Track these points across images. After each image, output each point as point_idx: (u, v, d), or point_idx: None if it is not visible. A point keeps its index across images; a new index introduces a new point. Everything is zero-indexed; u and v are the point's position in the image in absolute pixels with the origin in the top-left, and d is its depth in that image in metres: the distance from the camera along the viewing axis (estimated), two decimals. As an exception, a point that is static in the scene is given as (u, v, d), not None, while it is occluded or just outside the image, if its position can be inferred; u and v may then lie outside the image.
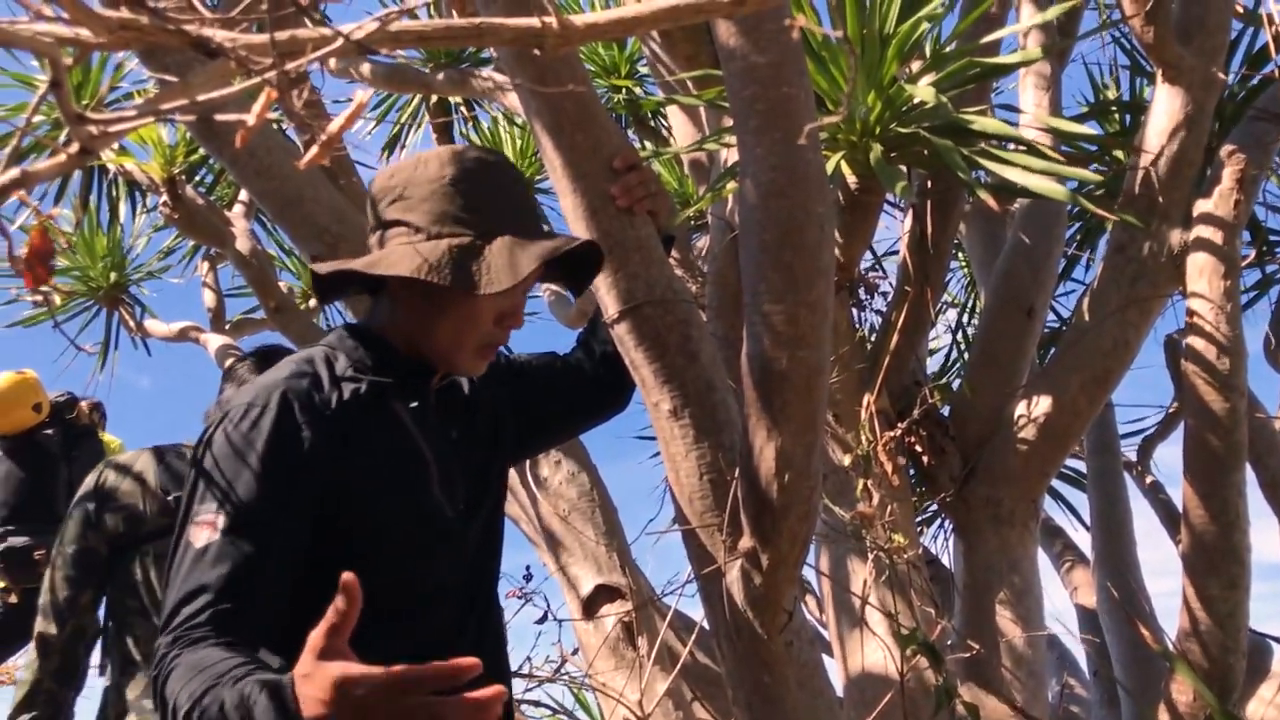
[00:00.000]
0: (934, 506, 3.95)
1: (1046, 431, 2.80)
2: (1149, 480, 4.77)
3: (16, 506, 4.28)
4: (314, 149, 0.67)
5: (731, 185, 2.56)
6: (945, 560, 4.08)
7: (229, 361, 2.46)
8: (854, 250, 2.83)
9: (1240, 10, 3.43)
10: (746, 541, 1.60)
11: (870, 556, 2.52)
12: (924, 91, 2.36)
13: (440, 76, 4.65)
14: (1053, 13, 2.92)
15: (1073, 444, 2.94)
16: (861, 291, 3.14)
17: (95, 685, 2.41)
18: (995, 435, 2.92)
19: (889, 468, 2.77)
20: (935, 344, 5.12)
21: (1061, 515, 5.10)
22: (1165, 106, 2.60)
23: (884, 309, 3.19)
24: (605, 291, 1.68)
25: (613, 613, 2.94)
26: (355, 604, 0.99)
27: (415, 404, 1.41)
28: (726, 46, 1.50)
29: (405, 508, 1.36)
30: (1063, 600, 4.66)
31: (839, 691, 2.62)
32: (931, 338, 4.33)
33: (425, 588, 1.38)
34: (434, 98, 5.71)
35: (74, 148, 0.62)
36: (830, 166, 2.40)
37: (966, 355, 4.59)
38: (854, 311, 3.08)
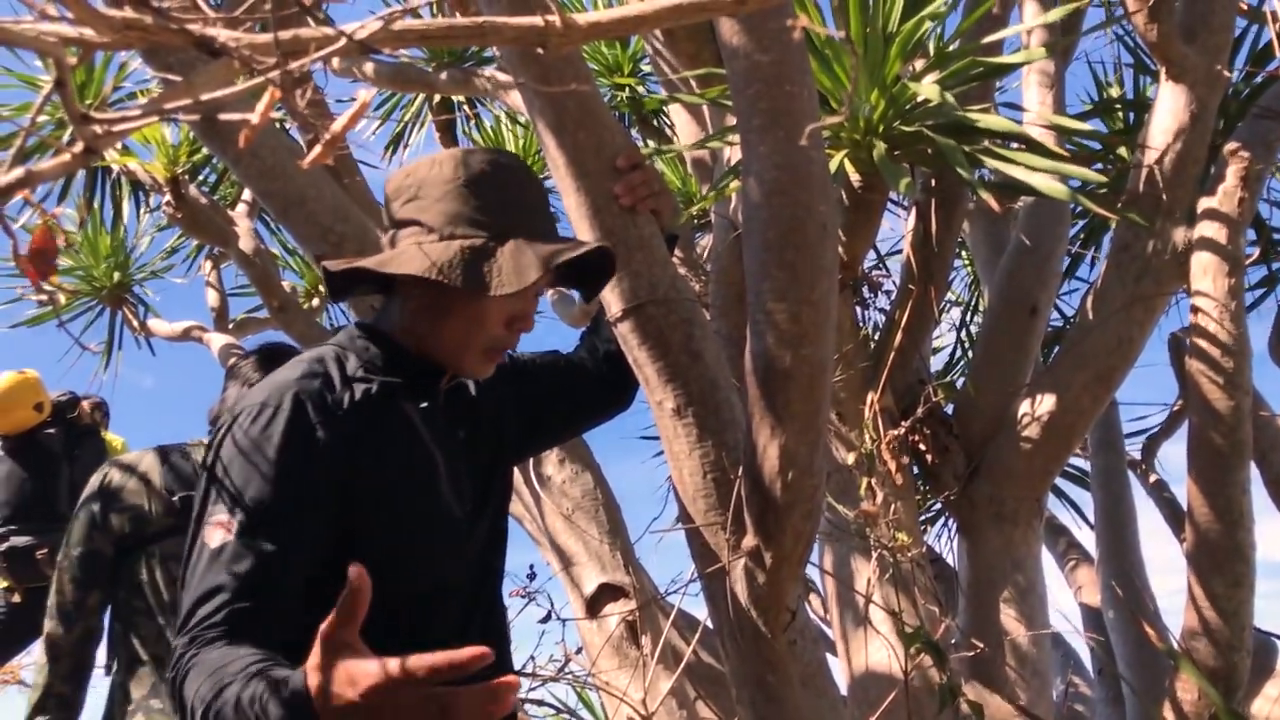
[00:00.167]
0: (938, 505, 3.95)
1: (1050, 430, 2.80)
2: (1153, 478, 4.77)
3: (18, 506, 4.29)
4: (317, 148, 0.67)
5: (735, 184, 2.56)
6: (949, 559, 4.08)
7: (232, 360, 2.46)
8: (857, 249, 2.83)
9: (1244, 8, 3.43)
10: (750, 540, 1.60)
11: (874, 555, 2.52)
12: (927, 90, 2.36)
13: (443, 76, 4.65)
14: (1056, 12, 2.92)
15: (1076, 442, 2.93)
16: (865, 290, 3.14)
17: (99, 685, 2.42)
18: (999, 434, 2.92)
19: (893, 466, 2.77)
20: (939, 342, 5.13)
21: (1066, 514, 5.10)
22: (1169, 104, 2.59)
23: (887, 307, 3.19)
24: (609, 290, 1.68)
25: (616, 612, 2.94)
26: (364, 594, 0.98)
27: (425, 405, 1.41)
28: (729, 45, 1.50)
29: (416, 508, 1.36)
30: (1067, 599, 4.66)
31: (843, 690, 2.62)
32: (935, 336, 4.33)
33: (432, 588, 1.38)
34: (437, 97, 5.72)
35: (78, 147, 0.62)
36: (834, 165, 2.40)
37: (970, 353, 4.59)
38: (857, 310, 3.08)
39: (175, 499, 2.27)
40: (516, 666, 3.09)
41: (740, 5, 0.69)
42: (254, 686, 1.07)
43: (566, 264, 1.44)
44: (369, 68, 4.53)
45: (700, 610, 3.38)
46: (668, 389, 1.68)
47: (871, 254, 3.86)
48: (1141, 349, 2.78)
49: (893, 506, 2.68)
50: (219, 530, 1.23)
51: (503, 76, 4.23)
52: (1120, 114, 4.05)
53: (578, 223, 1.69)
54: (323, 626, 0.99)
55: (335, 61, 4.37)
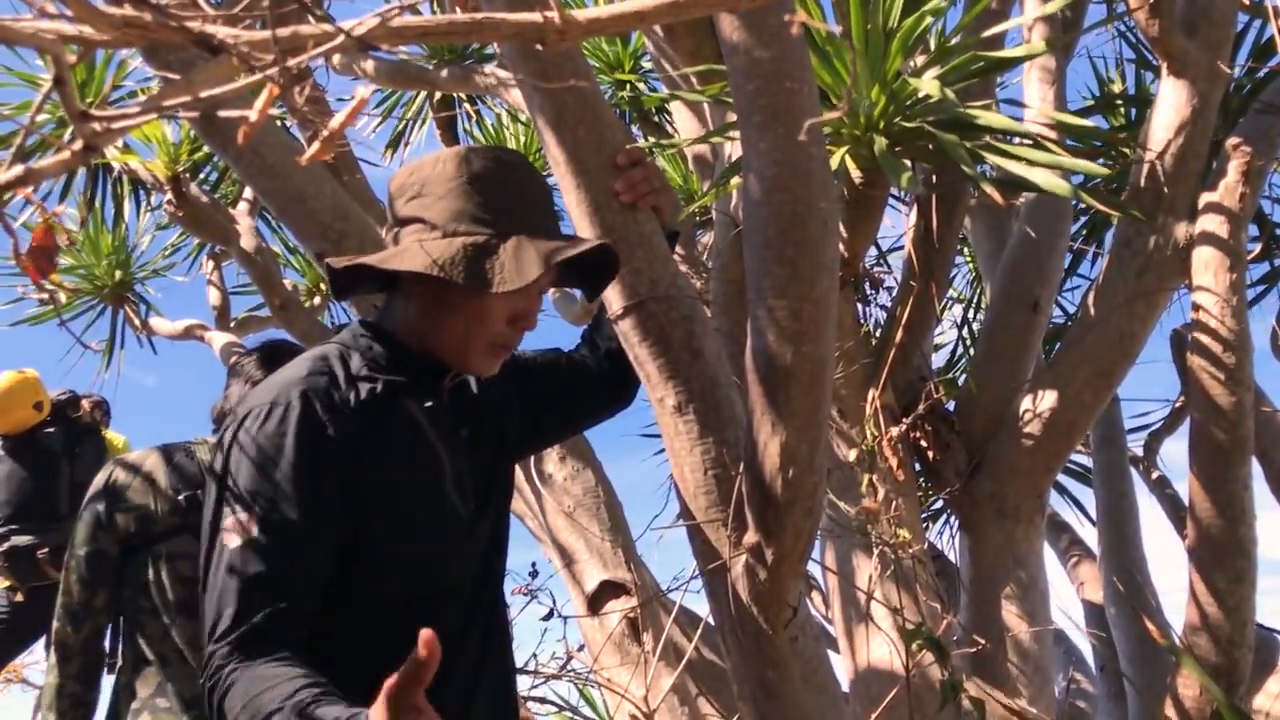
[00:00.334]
0: (939, 502, 3.95)
1: (1052, 426, 2.80)
2: (1155, 475, 4.76)
3: (19, 506, 4.29)
4: (315, 145, 0.67)
5: (736, 180, 2.55)
6: (951, 555, 4.08)
7: (234, 358, 2.46)
8: (858, 245, 2.83)
9: (1245, 3, 3.42)
10: (751, 537, 1.60)
11: (875, 552, 2.52)
12: (928, 85, 2.36)
13: (444, 73, 4.65)
14: (1057, 6, 2.92)
15: (1078, 439, 2.93)
16: (866, 286, 3.14)
17: (103, 683, 2.42)
18: (1000, 430, 2.92)
19: (894, 463, 2.77)
20: (940, 339, 5.12)
21: (1068, 510, 5.10)
22: (1170, 100, 2.59)
23: (889, 304, 3.19)
24: (610, 287, 1.68)
25: (618, 609, 2.94)
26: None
27: (430, 404, 1.40)
28: (730, 41, 1.49)
29: (421, 508, 1.36)
30: (1069, 595, 4.66)
31: (844, 687, 2.63)
32: (937, 333, 4.33)
33: (437, 586, 1.38)
34: (438, 94, 5.72)
35: (78, 145, 0.62)
36: (834, 161, 2.40)
37: (972, 350, 4.59)
38: (859, 306, 3.08)
39: (181, 498, 2.27)
40: (519, 664, 3.10)
41: (740, 1, 0.69)
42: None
43: (570, 262, 1.44)
44: (369, 65, 4.53)
45: (702, 607, 3.38)
46: (669, 386, 1.68)
47: (873, 250, 3.86)
48: (1143, 345, 2.78)
49: (894, 503, 2.68)
50: (238, 531, 1.23)
51: (503, 73, 4.23)
52: (1121, 109, 4.05)
53: (578, 220, 1.69)
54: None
55: (335, 59, 4.38)
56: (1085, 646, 4.32)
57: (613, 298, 1.68)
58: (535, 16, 0.68)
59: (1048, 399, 2.81)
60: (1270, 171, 2.79)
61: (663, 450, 1.82)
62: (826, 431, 1.61)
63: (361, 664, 1.29)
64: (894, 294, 3.19)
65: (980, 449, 2.96)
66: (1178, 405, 4.64)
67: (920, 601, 2.63)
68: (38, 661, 4.94)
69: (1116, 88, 4.40)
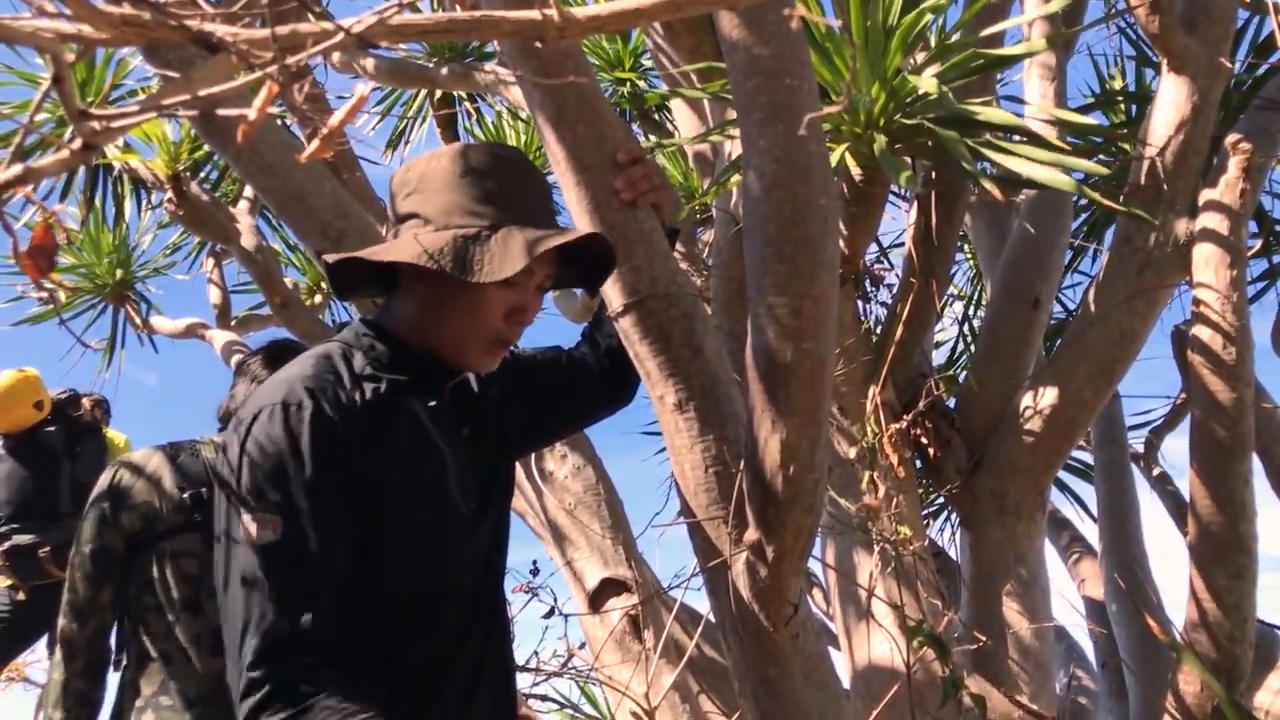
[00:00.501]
0: (940, 498, 3.95)
1: (1053, 423, 2.80)
2: (1156, 471, 4.77)
3: (20, 505, 4.29)
4: (315, 143, 0.67)
5: (736, 178, 2.55)
6: (952, 552, 4.08)
7: (240, 357, 2.46)
8: (859, 242, 2.83)
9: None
10: (752, 534, 1.60)
11: (876, 549, 2.52)
12: (928, 83, 2.35)
13: (444, 71, 4.64)
14: (1057, 3, 2.92)
15: (1079, 436, 2.93)
16: (866, 283, 3.14)
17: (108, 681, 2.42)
18: (1001, 427, 2.92)
19: (894, 460, 2.77)
20: (941, 336, 5.12)
21: (1068, 507, 5.10)
22: (1171, 96, 2.59)
23: (889, 301, 3.19)
24: (609, 285, 1.68)
25: (619, 606, 2.95)
26: None
27: (433, 403, 1.40)
28: (729, 39, 1.49)
29: (426, 507, 1.36)
30: (1070, 592, 4.66)
31: (845, 684, 2.63)
32: (937, 330, 4.33)
33: (439, 585, 1.38)
34: (438, 92, 5.72)
35: (77, 143, 0.62)
36: (834, 158, 2.40)
37: (972, 347, 4.59)
38: (859, 304, 3.08)
39: (185, 496, 2.28)
40: (520, 662, 3.10)
41: (739, -2, 0.69)
42: None
43: (570, 260, 1.44)
44: (369, 63, 4.53)
45: (702, 604, 3.38)
46: (669, 384, 1.68)
47: (873, 247, 3.86)
48: (1144, 342, 2.78)
49: (895, 500, 2.68)
50: (264, 530, 1.22)
51: (503, 71, 4.23)
52: (1122, 106, 4.05)
53: (578, 218, 1.69)
54: None
55: (335, 57, 4.37)
56: (1086, 643, 4.32)
57: (613, 295, 1.68)
58: (535, 14, 0.68)
59: (1048, 396, 2.81)
60: (1270, 168, 2.79)
61: (663, 448, 1.82)
62: (827, 428, 1.61)
63: (363, 663, 1.29)
64: (894, 291, 3.20)
65: (981, 446, 2.96)
66: (1178, 402, 4.64)
67: (921, 598, 2.63)
68: (40, 660, 4.95)
69: (1117, 84, 4.40)
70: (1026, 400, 2.85)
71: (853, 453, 2.80)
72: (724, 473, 1.68)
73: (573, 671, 3.20)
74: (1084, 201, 3.64)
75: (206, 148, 5.07)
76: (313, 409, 1.27)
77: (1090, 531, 4.74)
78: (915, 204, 3.10)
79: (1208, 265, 2.35)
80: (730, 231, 2.87)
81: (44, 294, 5.09)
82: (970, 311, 5.08)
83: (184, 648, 2.22)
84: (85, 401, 4.56)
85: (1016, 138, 2.51)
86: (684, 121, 3.65)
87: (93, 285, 6.01)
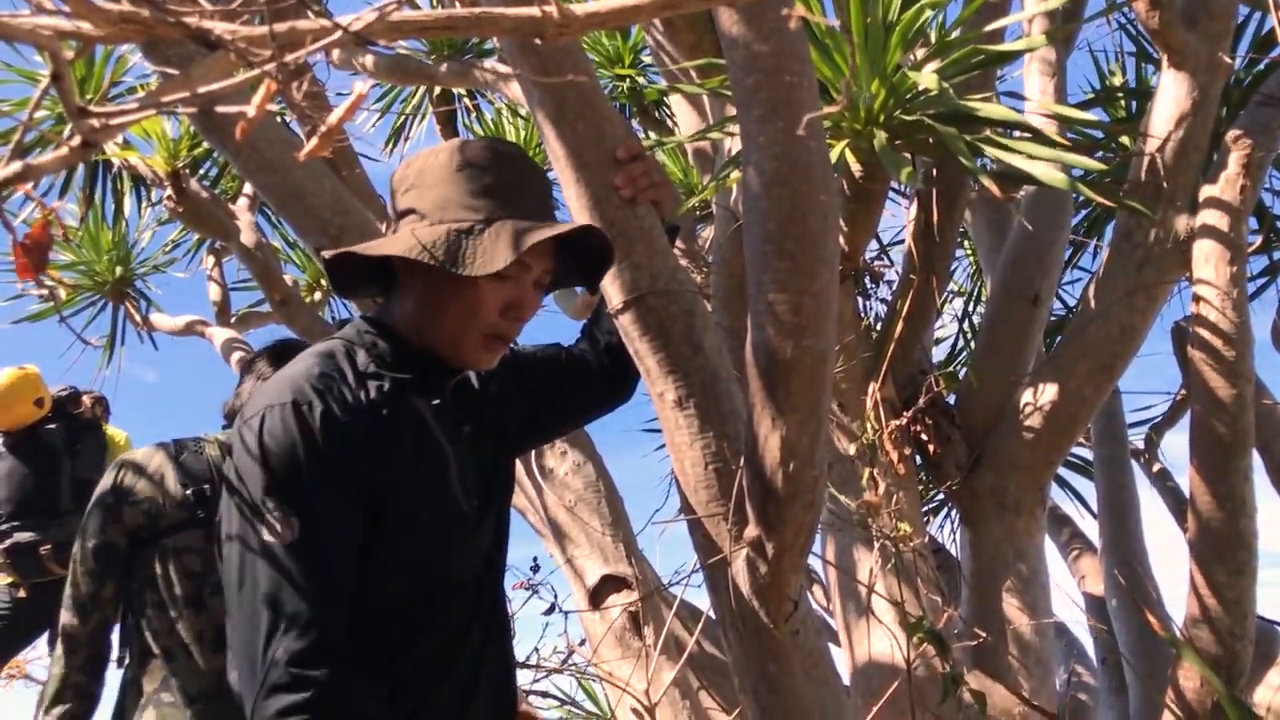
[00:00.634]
0: (940, 495, 3.96)
1: (1053, 419, 2.80)
2: (1156, 468, 4.77)
3: (20, 502, 4.30)
4: (314, 140, 0.67)
5: (736, 175, 2.55)
6: (952, 549, 4.08)
7: (245, 356, 2.47)
8: (859, 239, 2.83)
9: (1246, -5, 3.42)
10: (752, 531, 1.60)
11: (876, 545, 2.52)
12: (928, 79, 2.35)
13: (443, 68, 4.64)
14: (1058, 0, 2.91)
15: (1079, 432, 2.93)
16: (867, 280, 3.13)
17: (108, 679, 2.43)
18: (1001, 423, 2.92)
19: (894, 456, 2.78)
20: (941, 332, 5.13)
21: (1069, 503, 5.11)
22: (1171, 92, 2.59)
23: (889, 297, 3.18)
24: (609, 282, 1.68)
25: (619, 603, 2.95)
26: None
27: (436, 401, 1.40)
28: (729, 35, 1.49)
29: (429, 504, 1.36)
30: (1070, 588, 4.66)
31: (845, 680, 2.63)
32: (937, 326, 4.33)
33: (440, 583, 1.38)
34: (437, 89, 5.71)
35: (77, 141, 0.62)
36: (834, 155, 2.40)
37: (972, 343, 4.59)
38: (859, 300, 3.08)
39: (188, 492, 2.28)
40: (520, 659, 3.10)
41: (738, -6, 0.68)
42: None
43: (570, 256, 1.43)
44: (368, 60, 4.53)
45: (703, 601, 3.38)
46: (669, 380, 1.68)
47: (873, 244, 3.86)
48: (1144, 338, 2.78)
49: (895, 497, 2.68)
50: (279, 530, 1.22)
51: (503, 68, 4.22)
52: (1122, 102, 4.05)
53: (578, 214, 1.68)
54: None
55: (334, 54, 4.37)
56: (1086, 639, 4.32)
57: (613, 292, 1.68)
58: (534, 11, 0.68)
59: (1048, 392, 2.81)
60: (1270, 164, 2.78)
61: (663, 445, 1.82)
62: (827, 425, 1.60)
63: (365, 660, 1.29)
64: (894, 287, 3.19)
65: (981, 442, 2.96)
66: (1178, 398, 4.65)
67: (921, 595, 2.63)
68: (40, 657, 4.95)
69: (1117, 80, 4.40)
70: (1026, 397, 2.85)
71: (853, 449, 2.80)
72: (724, 469, 1.68)
73: (573, 668, 3.20)
74: (1084, 197, 3.64)
75: (206, 145, 5.07)
76: (322, 408, 1.27)
77: (1090, 528, 4.75)
78: (915, 200, 3.10)
79: (1208, 261, 2.35)
80: (730, 228, 2.87)
81: (44, 291, 5.08)
82: (970, 308, 5.09)
83: (186, 644, 2.22)
84: (85, 399, 4.56)
85: (1017, 134, 2.51)
86: (684, 118, 3.65)
87: (92, 282, 6.01)
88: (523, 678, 3.28)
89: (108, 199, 5.78)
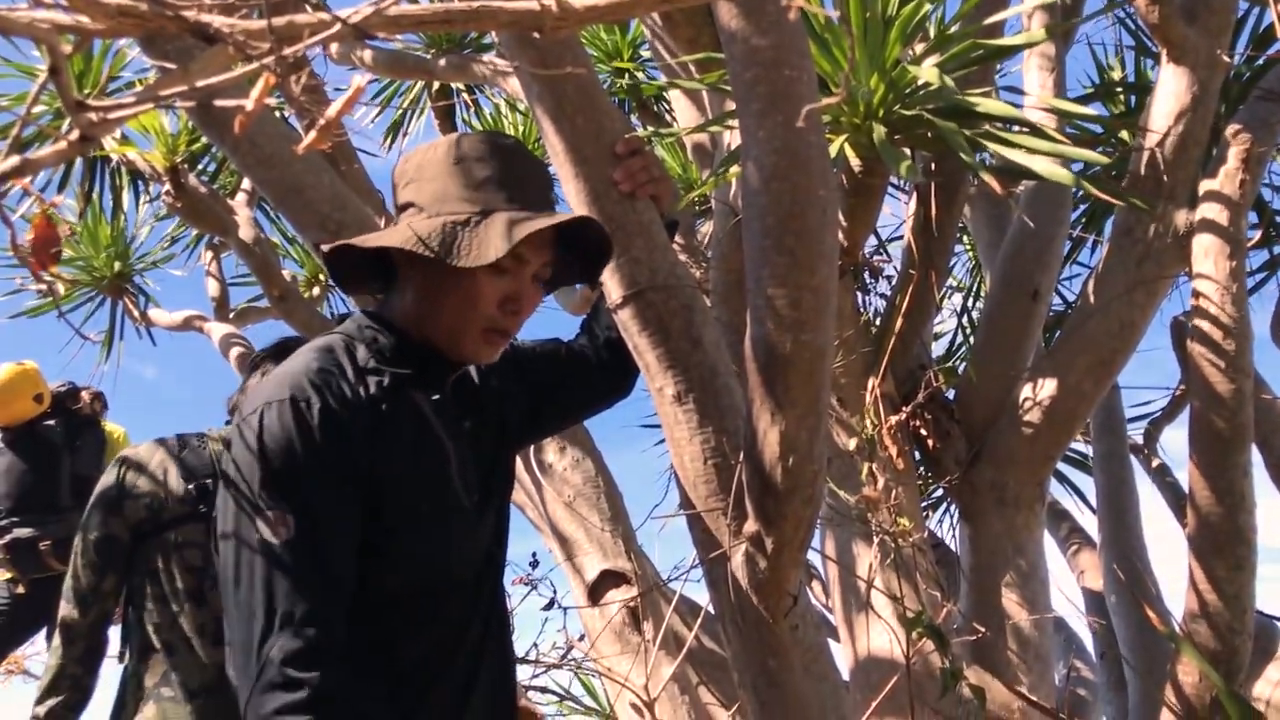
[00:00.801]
0: (939, 490, 3.96)
1: (1052, 415, 2.80)
2: (1155, 463, 4.77)
3: (19, 498, 4.30)
4: (312, 134, 0.67)
5: (735, 169, 2.55)
6: (951, 544, 4.09)
7: (247, 354, 2.47)
8: (858, 233, 2.82)
9: (1245, -11, 3.41)
10: (751, 526, 1.60)
11: (875, 540, 2.52)
12: (927, 73, 2.35)
13: (441, 62, 4.64)
14: (1057, -7, 2.91)
15: (1078, 427, 2.93)
16: (866, 275, 3.14)
17: (108, 675, 2.43)
18: (1000, 418, 2.92)
19: (894, 451, 2.78)
20: (940, 328, 5.13)
21: (1068, 498, 5.11)
22: (1170, 87, 2.58)
23: (888, 292, 3.18)
24: (609, 277, 1.68)
25: (618, 598, 2.95)
26: None
27: (435, 396, 1.40)
28: (728, 29, 1.49)
29: (429, 500, 1.36)
30: (1069, 583, 4.67)
31: (845, 675, 2.63)
32: (936, 321, 4.33)
33: (440, 578, 1.38)
34: (436, 84, 5.71)
35: (75, 135, 0.62)
36: (834, 149, 2.40)
37: (971, 338, 4.59)
38: (858, 295, 3.08)
39: (190, 486, 2.29)
40: (519, 654, 3.10)
41: (738, -12, 0.68)
42: None
43: (570, 250, 1.43)
44: (367, 55, 4.52)
45: (702, 596, 3.39)
46: (668, 375, 1.68)
47: (872, 239, 3.86)
48: (1143, 333, 2.78)
49: (894, 492, 2.68)
50: (277, 527, 1.22)
51: (501, 63, 4.22)
52: (1121, 97, 4.04)
53: (577, 208, 1.68)
54: None
55: (332, 48, 4.37)
56: (1085, 634, 4.33)
57: (612, 287, 1.68)
58: (533, 4, 0.68)
59: (1048, 387, 2.81)
60: (1270, 159, 2.78)
61: (663, 440, 1.82)
62: (826, 420, 1.61)
63: (364, 656, 1.29)
64: (893, 282, 3.19)
65: (980, 437, 2.96)
66: (1178, 393, 4.64)
67: (920, 590, 2.63)
68: (39, 653, 4.96)
69: (1116, 75, 4.39)
70: (1026, 392, 2.85)
71: (852, 444, 2.80)
72: (723, 464, 1.68)
73: (572, 663, 3.21)
74: (1083, 192, 3.64)
75: (204, 139, 5.06)
76: (320, 404, 1.27)
77: (1089, 523, 4.75)
78: (914, 195, 3.09)
79: (1207, 256, 2.35)
80: (729, 223, 2.87)
81: (42, 287, 5.08)
82: (969, 303, 5.09)
83: (188, 637, 2.23)
84: (84, 394, 4.56)
85: (1016, 128, 2.50)
86: (682, 113, 3.64)
87: (91, 278, 6.01)
88: (522, 673, 3.29)
89: (106, 194, 5.78)
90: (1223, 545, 2.31)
